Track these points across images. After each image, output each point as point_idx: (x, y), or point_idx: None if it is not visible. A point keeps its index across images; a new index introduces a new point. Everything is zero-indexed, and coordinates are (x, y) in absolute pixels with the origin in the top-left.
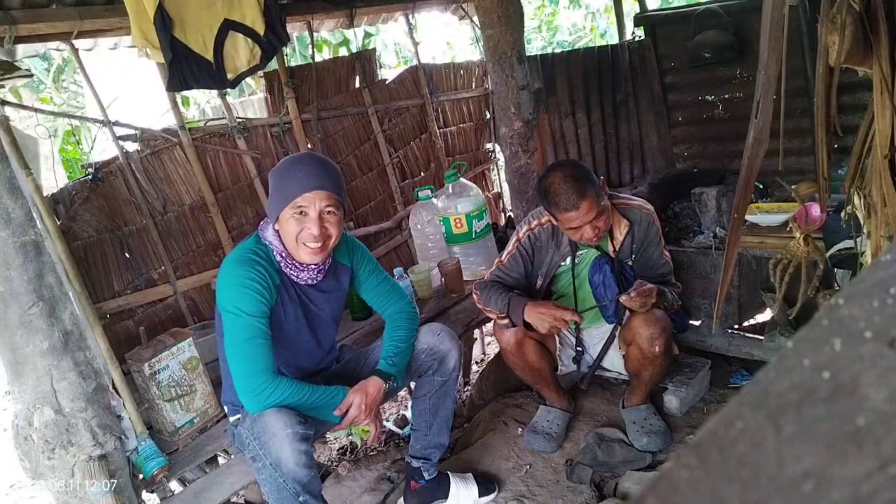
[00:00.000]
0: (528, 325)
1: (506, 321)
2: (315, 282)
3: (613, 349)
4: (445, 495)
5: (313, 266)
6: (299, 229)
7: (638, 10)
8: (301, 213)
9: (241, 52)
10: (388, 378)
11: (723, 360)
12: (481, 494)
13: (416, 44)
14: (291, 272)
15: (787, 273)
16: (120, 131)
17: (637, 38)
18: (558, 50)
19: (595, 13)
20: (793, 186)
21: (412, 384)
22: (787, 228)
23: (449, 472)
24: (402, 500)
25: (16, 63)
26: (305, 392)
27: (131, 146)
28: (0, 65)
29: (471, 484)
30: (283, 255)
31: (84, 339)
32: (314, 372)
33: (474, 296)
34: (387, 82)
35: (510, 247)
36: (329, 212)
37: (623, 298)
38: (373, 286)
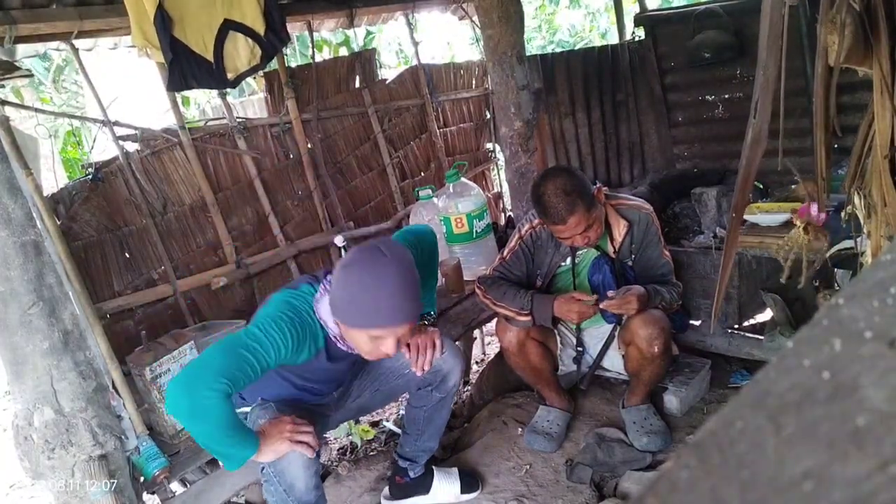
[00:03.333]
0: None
1: (527, 318)
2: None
3: (613, 349)
4: (427, 490)
5: None
6: (371, 348)
7: (638, 10)
8: (378, 338)
9: (241, 51)
10: (426, 316)
11: (723, 360)
12: (463, 492)
13: (416, 44)
14: (342, 346)
15: (788, 259)
16: (120, 131)
17: (637, 38)
18: (558, 50)
19: (595, 13)
20: (792, 187)
21: (407, 392)
22: (791, 220)
23: (434, 468)
24: (387, 489)
25: (16, 63)
26: (221, 433)
27: (131, 146)
28: (0, 65)
29: (454, 480)
30: (338, 337)
31: (84, 339)
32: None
33: (478, 291)
34: (387, 82)
35: (513, 243)
36: (405, 334)
37: (602, 304)
38: None
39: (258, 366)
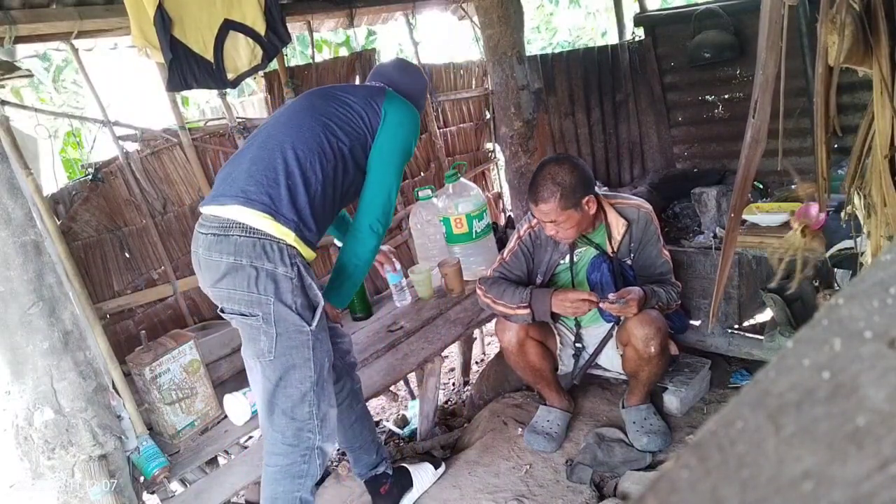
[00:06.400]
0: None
1: (525, 311)
2: None
3: (612, 349)
4: (411, 483)
5: None
6: None
7: (638, 10)
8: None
9: (241, 51)
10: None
11: (723, 360)
12: (437, 468)
13: (416, 44)
14: None
15: (782, 262)
16: (120, 131)
17: (637, 38)
18: (558, 50)
19: (595, 13)
20: (792, 187)
21: None
22: (790, 223)
23: (404, 465)
24: None
25: (16, 63)
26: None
27: (131, 146)
28: (0, 65)
29: (425, 465)
30: None
31: (84, 339)
32: None
33: (479, 291)
34: None
35: (512, 244)
36: None
37: (603, 305)
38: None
39: None
